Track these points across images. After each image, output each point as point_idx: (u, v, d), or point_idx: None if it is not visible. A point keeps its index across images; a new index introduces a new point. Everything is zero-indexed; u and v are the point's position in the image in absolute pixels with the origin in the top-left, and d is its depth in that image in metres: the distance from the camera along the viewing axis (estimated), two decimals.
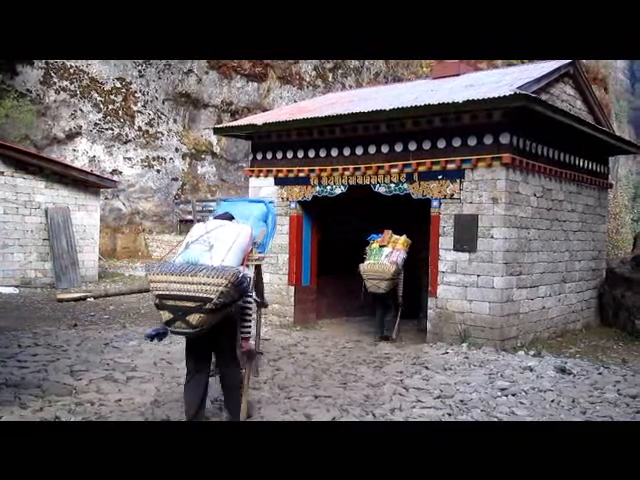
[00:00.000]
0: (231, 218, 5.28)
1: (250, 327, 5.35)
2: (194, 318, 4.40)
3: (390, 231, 10.27)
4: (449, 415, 5.84)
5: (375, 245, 10.23)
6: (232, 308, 4.70)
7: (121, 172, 24.17)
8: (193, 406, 4.98)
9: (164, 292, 4.48)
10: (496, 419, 5.75)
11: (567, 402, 6.38)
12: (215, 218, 5.28)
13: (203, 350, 4.98)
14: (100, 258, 18.19)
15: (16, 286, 14.56)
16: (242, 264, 4.80)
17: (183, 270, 4.47)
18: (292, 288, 11.65)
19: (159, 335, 5.07)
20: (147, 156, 24.89)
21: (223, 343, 5.01)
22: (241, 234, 4.95)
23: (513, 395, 6.59)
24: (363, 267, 10.06)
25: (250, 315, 5.31)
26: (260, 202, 6.12)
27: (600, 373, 7.84)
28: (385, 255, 10.02)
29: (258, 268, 5.48)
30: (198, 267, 4.48)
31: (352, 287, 12.26)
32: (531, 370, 7.78)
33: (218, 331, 4.71)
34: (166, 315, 4.51)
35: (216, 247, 4.75)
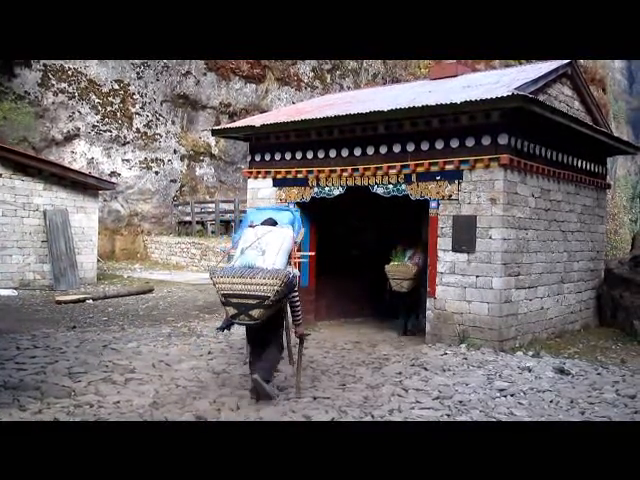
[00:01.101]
0: (275, 223, 6.31)
1: (300, 314, 6.34)
2: (255, 312, 5.55)
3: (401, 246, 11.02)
4: (448, 416, 5.84)
5: (400, 248, 11.00)
6: (283, 302, 5.94)
7: (119, 174, 24.18)
8: (253, 361, 6.29)
9: (228, 292, 5.59)
10: (495, 420, 5.75)
11: (566, 402, 6.38)
12: (262, 224, 6.27)
13: (259, 335, 6.16)
14: (99, 260, 18.20)
15: (14, 288, 14.56)
16: (289, 263, 5.97)
17: (243, 273, 5.57)
18: None
19: (228, 327, 6.35)
20: (145, 158, 24.90)
21: (272, 330, 6.15)
22: (286, 238, 6.02)
23: (512, 396, 6.59)
24: (388, 268, 10.78)
25: (299, 304, 6.27)
26: (287, 210, 6.98)
27: (599, 373, 7.85)
28: (408, 257, 10.82)
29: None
30: (255, 270, 5.61)
31: (351, 288, 12.30)
32: (530, 371, 7.79)
33: (270, 321, 5.85)
34: (231, 310, 5.67)
35: (267, 252, 5.83)
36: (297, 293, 6.18)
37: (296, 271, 6.07)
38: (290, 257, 6.05)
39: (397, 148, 10.16)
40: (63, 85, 22.77)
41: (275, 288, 5.46)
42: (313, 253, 7.07)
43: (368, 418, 5.71)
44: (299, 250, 6.72)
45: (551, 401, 6.43)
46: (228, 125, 14.69)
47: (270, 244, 5.89)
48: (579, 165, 11.40)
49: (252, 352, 6.34)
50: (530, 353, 8.97)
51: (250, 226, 6.27)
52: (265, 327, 5.90)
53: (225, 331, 6.56)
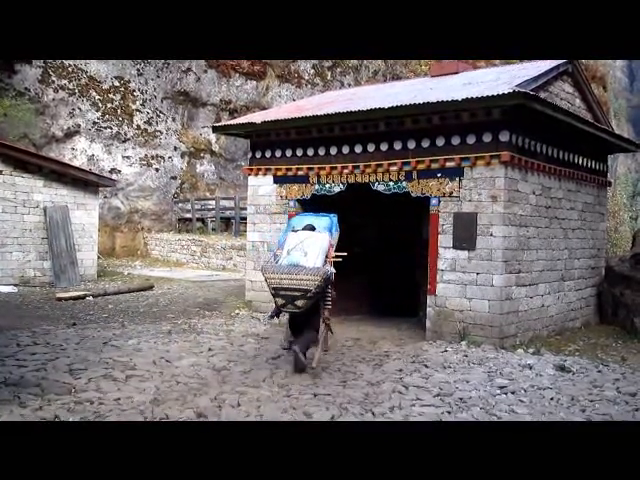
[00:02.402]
0: (313, 229, 7.66)
1: (330, 302, 7.55)
2: (300, 302, 6.91)
3: None
4: (448, 413, 5.83)
5: None
6: (321, 294, 7.14)
7: (120, 171, 24.16)
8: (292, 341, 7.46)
9: (277, 285, 6.93)
10: (495, 417, 5.75)
11: (566, 400, 6.38)
12: (303, 229, 7.63)
13: (299, 321, 7.40)
14: (99, 257, 18.19)
15: (15, 285, 14.56)
16: (326, 262, 7.26)
17: (290, 270, 6.94)
18: None
19: (277, 314, 7.59)
20: (146, 155, 24.88)
21: (312, 317, 7.41)
22: (323, 242, 7.38)
23: (512, 393, 6.59)
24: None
25: (330, 294, 7.50)
26: (326, 216, 8.19)
27: (599, 371, 7.85)
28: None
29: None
30: (300, 268, 6.96)
31: (350, 286, 12.28)
32: (530, 368, 7.78)
33: (310, 309, 7.14)
34: (280, 301, 7.01)
35: (309, 253, 7.15)
36: (331, 286, 7.47)
37: (332, 269, 7.33)
38: (327, 257, 7.36)
39: (398, 145, 10.15)
40: (63, 82, 22.74)
41: (316, 283, 6.83)
42: (345, 254, 7.84)
43: (369, 415, 5.71)
44: (335, 251, 7.83)
45: (552, 398, 6.42)
46: (229, 122, 14.67)
47: (311, 246, 7.21)
48: (580, 162, 11.39)
49: (295, 333, 7.51)
50: (531, 350, 8.97)
51: (293, 231, 7.65)
52: (306, 314, 7.21)
53: (274, 318, 7.99)
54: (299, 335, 7.35)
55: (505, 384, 6.92)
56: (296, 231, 7.61)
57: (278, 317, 7.84)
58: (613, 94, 39.74)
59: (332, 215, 8.20)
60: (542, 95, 9.68)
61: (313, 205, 11.50)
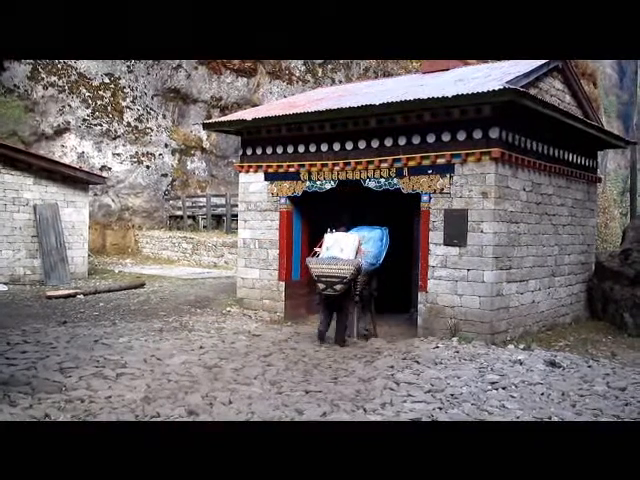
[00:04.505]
0: (347, 230, 9.49)
1: (360, 288, 9.29)
2: (337, 287, 8.77)
3: None
4: (440, 409, 5.85)
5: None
6: (354, 280, 8.99)
7: (110, 168, 24.06)
8: (324, 328, 9.28)
9: (320, 274, 8.86)
10: (486, 413, 5.77)
11: (557, 395, 6.41)
12: (337, 231, 9.40)
13: (333, 303, 9.18)
14: (89, 255, 18.11)
15: (5, 283, 14.48)
16: (357, 256, 8.98)
17: (330, 262, 8.86)
18: (282, 284, 11.65)
19: (320, 296, 9.23)
20: (136, 152, 24.79)
21: (344, 300, 9.15)
22: (355, 240, 9.16)
23: (503, 389, 6.62)
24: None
25: (358, 282, 9.19)
26: (378, 229, 9.80)
27: (589, 366, 7.89)
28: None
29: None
30: (337, 260, 8.84)
31: None
32: (521, 364, 7.81)
33: (344, 294, 8.99)
34: (321, 286, 8.90)
35: (344, 249, 8.98)
36: (360, 275, 9.08)
37: (363, 260, 8.98)
38: (358, 252, 9.07)
39: (389, 142, 10.16)
40: (53, 79, 22.62)
41: (351, 271, 8.71)
42: (374, 250, 9.52)
43: (360, 411, 5.72)
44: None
45: (542, 394, 6.45)
46: (220, 119, 14.65)
47: (345, 244, 9.04)
48: (570, 159, 11.43)
49: (322, 322, 9.32)
50: (521, 346, 9.00)
51: (328, 232, 9.37)
52: (341, 297, 9.02)
53: (317, 299, 9.54)
54: (327, 323, 9.25)
55: (496, 380, 6.94)
56: (333, 232, 9.35)
57: (320, 301, 9.35)
58: (603, 91, 39.90)
59: (383, 228, 9.87)
60: (532, 92, 9.71)
61: (304, 202, 11.52)
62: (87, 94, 23.34)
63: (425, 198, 9.81)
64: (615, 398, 6.34)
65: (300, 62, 28.26)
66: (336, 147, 10.76)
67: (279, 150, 11.59)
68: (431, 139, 9.73)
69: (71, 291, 13.50)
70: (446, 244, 9.58)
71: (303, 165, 11.15)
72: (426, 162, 9.75)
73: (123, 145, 24.43)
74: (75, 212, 16.35)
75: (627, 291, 11.30)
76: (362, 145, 10.45)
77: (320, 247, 9.35)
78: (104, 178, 19.54)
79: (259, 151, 11.94)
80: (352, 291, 9.17)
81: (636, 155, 26.93)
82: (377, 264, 9.51)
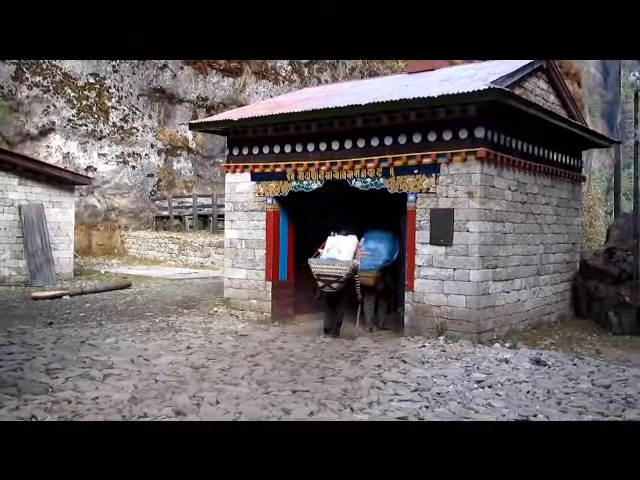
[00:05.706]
0: (347, 234, 10.06)
1: (359, 285, 9.94)
2: (335, 285, 9.61)
3: None
4: (426, 408, 5.88)
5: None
6: (350, 280, 9.71)
7: (96, 169, 23.95)
8: (328, 325, 10.04)
9: (319, 273, 9.70)
10: (473, 411, 5.81)
11: (542, 393, 6.46)
12: (337, 234, 10.06)
13: (333, 300, 9.96)
14: (75, 255, 18.01)
15: None
16: (354, 257, 9.77)
17: (329, 262, 9.68)
18: (269, 283, 11.65)
19: (321, 295, 10.06)
20: (122, 152, 24.68)
21: (342, 297, 9.95)
22: (352, 243, 9.91)
23: (489, 387, 6.66)
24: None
25: (358, 281, 9.92)
26: (390, 234, 10.78)
27: (574, 364, 7.95)
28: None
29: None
30: (335, 260, 9.65)
31: None
32: (507, 362, 7.87)
33: (341, 291, 9.77)
34: (320, 284, 9.73)
35: (342, 250, 9.74)
36: (357, 275, 9.88)
37: (358, 262, 9.81)
38: (355, 253, 9.82)
39: (375, 142, 10.19)
40: (38, 79, 22.47)
41: (347, 271, 9.51)
42: (387, 249, 10.66)
43: (347, 410, 5.74)
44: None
45: (528, 392, 6.50)
46: (206, 119, 14.63)
47: (343, 246, 9.79)
48: (555, 158, 11.52)
49: (326, 318, 10.16)
50: (507, 345, 9.06)
51: (331, 235, 10.04)
52: (338, 294, 9.81)
53: (318, 296, 10.20)
54: (331, 317, 10.04)
55: (482, 378, 6.99)
56: (333, 235, 10.05)
57: (321, 297, 10.10)
58: (587, 90, 40.15)
59: (393, 234, 10.78)
60: (517, 91, 9.77)
61: (291, 202, 11.52)
62: (72, 94, 23.20)
63: (411, 198, 9.85)
64: (600, 395, 6.40)
65: (286, 62, 28.25)
66: (322, 147, 10.78)
67: (265, 150, 11.59)
68: (417, 139, 9.78)
69: (57, 292, 13.43)
70: (432, 243, 9.62)
71: (289, 165, 11.16)
72: (412, 162, 9.79)
73: (109, 145, 24.32)
74: (61, 213, 16.26)
75: (611, 289, 11.39)
76: (348, 145, 10.48)
77: (322, 248, 10.06)
78: (90, 178, 19.45)
79: (245, 151, 11.93)
80: (352, 289, 9.90)
81: (620, 154, 27.12)
82: (391, 260, 10.75)
